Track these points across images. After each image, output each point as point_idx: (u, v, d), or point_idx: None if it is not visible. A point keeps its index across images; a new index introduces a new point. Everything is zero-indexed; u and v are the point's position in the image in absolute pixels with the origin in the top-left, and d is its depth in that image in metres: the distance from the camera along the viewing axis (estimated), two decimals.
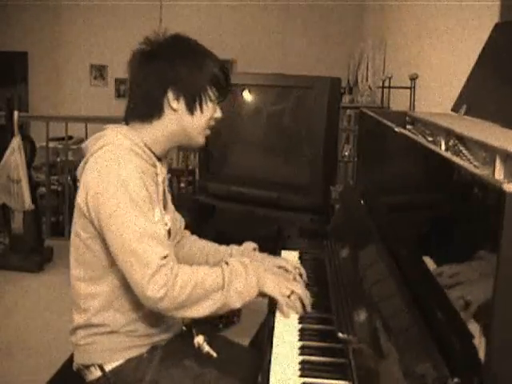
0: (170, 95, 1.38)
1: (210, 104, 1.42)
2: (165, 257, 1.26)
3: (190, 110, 1.40)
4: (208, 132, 1.46)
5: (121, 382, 1.37)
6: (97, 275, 1.36)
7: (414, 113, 1.83)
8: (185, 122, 1.41)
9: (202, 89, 1.40)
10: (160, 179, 1.43)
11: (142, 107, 1.41)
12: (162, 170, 1.44)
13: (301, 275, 1.62)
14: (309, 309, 1.41)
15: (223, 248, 1.66)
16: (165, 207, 1.47)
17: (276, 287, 1.38)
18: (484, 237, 0.80)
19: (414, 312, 1.02)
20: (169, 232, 1.49)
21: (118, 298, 1.34)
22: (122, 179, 1.27)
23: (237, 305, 1.33)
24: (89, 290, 1.37)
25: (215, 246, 1.67)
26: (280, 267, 1.62)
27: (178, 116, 1.40)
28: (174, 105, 1.38)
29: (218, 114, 1.46)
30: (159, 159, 1.44)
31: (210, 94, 1.41)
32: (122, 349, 1.38)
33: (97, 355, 1.38)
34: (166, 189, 1.50)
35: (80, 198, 1.33)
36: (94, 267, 1.36)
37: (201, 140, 1.46)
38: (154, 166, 1.41)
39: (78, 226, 1.36)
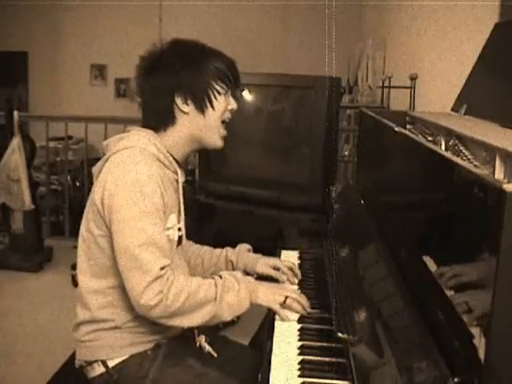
0: (178, 100, 1.39)
1: (220, 98, 1.42)
2: (164, 267, 1.27)
3: (201, 109, 1.41)
4: (224, 132, 1.46)
5: (124, 378, 1.37)
6: (103, 272, 1.37)
7: (414, 112, 1.83)
8: (198, 122, 1.42)
9: (207, 86, 1.40)
10: (180, 185, 1.44)
11: (154, 118, 1.42)
12: (181, 175, 1.45)
13: (296, 275, 1.64)
14: (308, 309, 1.42)
15: (218, 251, 1.68)
16: (180, 212, 1.47)
17: (269, 297, 1.39)
18: (484, 236, 0.80)
19: (413, 312, 1.02)
20: (181, 237, 1.49)
21: (123, 295, 1.34)
22: (140, 184, 1.28)
23: (227, 317, 1.34)
24: (94, 285, 1.38)
25: (210, 249, 1.69)
26: (274, 268, 1.64)
27: (191, 118, 1.41)
28: (185, 108, 1.40)
29: (233, 105, 1.46)
30: (179, 165, 1.45)
31: (218, 88, 1.41)
32: (125, 345, 1.38)
33: (100, 351, 1.39)
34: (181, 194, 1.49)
35: (97, 196, 1.34)
36: (100, 263, 1.37)
37: (218, 141, 1.46)
38: (176, 172, 1.43)
39: (92, 222, 1.37)
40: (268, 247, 1.89)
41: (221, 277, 1.37)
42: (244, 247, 1.69)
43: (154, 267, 1.25)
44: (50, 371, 2.33)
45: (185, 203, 1.50)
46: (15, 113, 3.84)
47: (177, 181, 1.44)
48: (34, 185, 3.91)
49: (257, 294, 1.38)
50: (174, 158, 1.42)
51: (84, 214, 1.41)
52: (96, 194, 1.35)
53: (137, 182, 1.29)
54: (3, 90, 5.46)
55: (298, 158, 2.81)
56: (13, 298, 3.34)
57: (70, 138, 4.79)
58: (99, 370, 1.39)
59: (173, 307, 1.27)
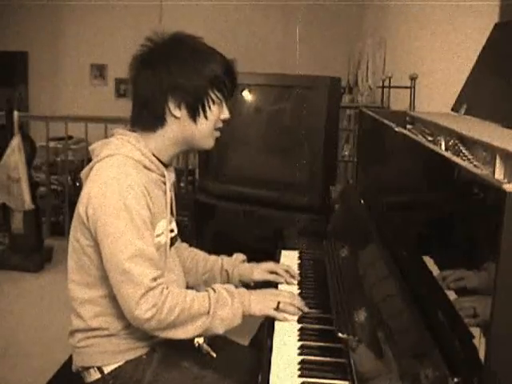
0: (171, 103, 1.35)
1: (213, 108, 1.38)
2: (155, 278, 1.26)
3: (193, 117, 1.36)
4: (217, 134, 1.43)
5: (119, 383, 1.37)
6: (93, 281, 1.36)
7: (414, 112, 1.83)
8: (189, 128, 1.38)
9: (203, 93, 1.36)
10: (168, 186, 1.42)
11: (143, 116, 1.38)
12: (169, 177, 1.43)
13: (293, 276, 1.64)
14: (305, 309, 1.42)
15: (213, 258, 1.68)
16: (172, 213, 1.46)
17: (261, 306, 1.39)
18: (484, 237, 0.80)
19: (413, 312, 1.02)
20: (174, 238, 1.49)
21: (115, 303, 1.33)
22: (124, 196, 1.26)
23: (220, 331, 1.34)
24: (85, 294, 1.37)
25: (205, 254, 1.68)
26: (270, 272, 1.64)
27: (181, 123, 1.37)
28: (176, 113, 1.36)
29: (226, 114, 1.42)
30: (166, 166, 1.42)
31: (213, 97, 1.37)
32: (120, 351, 1.38)
33: (95, 357, 1.38)
34: (172, 194, 1.47)
35: (81, 207, 1.32)
36: (91, 273, 1.36)
37: (210, 143, 1.43)
38: (163, 175, 1.40)
39: (79, 232, 1.35)
40: (268, 247, 1.89)
41: (214, 290, 1.36)
42: (240, 258, 1.68)
43: (145, 279, 1.24)
44: (50, 372, 2.33)
45: (176, 201, 1.48)
46: (15, 113, 3.84)
47: (164, 183, 1.41)
48: (34, 185, 3.91)
49: (249, 306, 1.38)
50: (160, 161, 1.39)
51: (72, 223, 1.39)
52: (81, 205, 1.32)
53: (120, 194, 1.26)
54: (3, 89, 5.47)
55: (298, 158, 2.81)
56: (13, 298, 3.34)
57: (70, 137, 4.79)
58: (95, 375, 1.38)
59: (167, 320, 1.26)
